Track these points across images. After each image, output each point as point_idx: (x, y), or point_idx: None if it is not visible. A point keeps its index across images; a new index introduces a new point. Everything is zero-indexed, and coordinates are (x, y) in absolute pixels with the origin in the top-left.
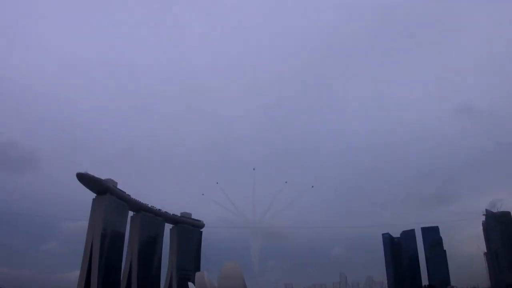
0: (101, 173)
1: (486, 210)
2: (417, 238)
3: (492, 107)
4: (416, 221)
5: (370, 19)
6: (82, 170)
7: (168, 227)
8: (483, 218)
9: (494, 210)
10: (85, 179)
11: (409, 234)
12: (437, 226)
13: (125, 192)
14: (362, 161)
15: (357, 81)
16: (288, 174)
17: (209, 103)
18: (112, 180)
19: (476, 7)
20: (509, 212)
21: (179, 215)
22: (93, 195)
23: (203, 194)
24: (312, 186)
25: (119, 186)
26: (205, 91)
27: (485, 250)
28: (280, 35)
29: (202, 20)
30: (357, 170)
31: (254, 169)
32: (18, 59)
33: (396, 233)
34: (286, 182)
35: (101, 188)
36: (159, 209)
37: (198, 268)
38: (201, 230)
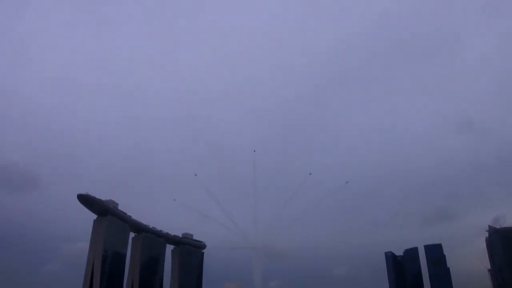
0: (102, 194)
1: (489, 226)
2: (420, 256)
3: (493, 122)
4: (419, 239)
5: (367, 41)
6: (83, 191)
7: (169, 248)
8: (486, 234)
9: (497, 226)
10: (86, 201)
11: (412, 252)
12: (440, 244)
13: (126, 213)
14: (363, 178)
15: (356, 101)
16: (289, 195)
17: (212, 128)
18: (113, 201)
19: (475, 23)
20: None
21: (180, 236)
22: (94, 216)
23: (174, 200)
24: (347, 182)
25: (120, 207)
26: (207, 116)
27: (489, 267)
28: (279, 64)
29: (202, 48)
30: (358, 188)
31: (254, 151)
32: (19, 79)
33: (399, 251)
34: (310, 173)
35: (102, 209)
36: (160, 230)
37: None
38: (202, 251)
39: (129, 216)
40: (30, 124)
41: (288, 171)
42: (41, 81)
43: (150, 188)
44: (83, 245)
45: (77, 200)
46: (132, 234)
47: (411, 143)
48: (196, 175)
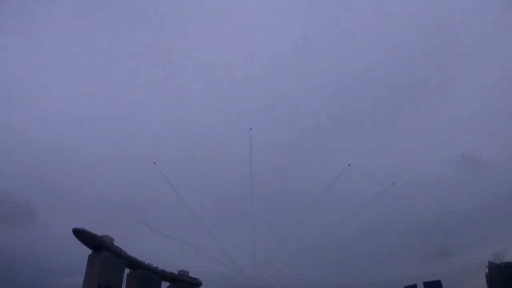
0: (98, 229)
1: (489, 261)
2: None
3: (492, 158)
4: (418, 275)
5: (364, 80)
6: (78, 226)
7: (165, 285)
8: (486, 270)
9: (497, 261)
10: (81, 235)
11: None
12: (439, 280)
13: (121, 249)
14: (361, 215)
15: (356, 138)
16: (287, 230)
17: (208, 162)
18: (108, 237)
19: (473, 59)
20: None
21: (176, 273)
22: (89, 250)
23: (154, 163)
24: (393, 183)
25: (115, 242)
26: (203, 151)
27: None
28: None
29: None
30: (356, 224)
31: (250, 128)
32: (16, 110)
33: None
34: (349, 164)
35: (97, 244)
36: (156, 267)
37: None
38: None
39: (125, 252)
40: (26, 155)
41: (287, 207)
42: (39, 112)
43: (146, 223)
44: (77, 280)
45: (72, 234)
46: (127, 270)
47: (410, 180)
48: (155, 163)
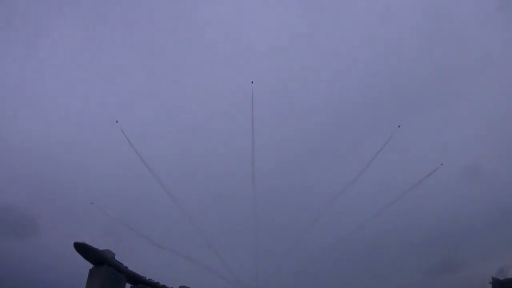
0: (99, 243)
1: (492, 277)
2: None
3: (497, 171)
4: None
5: (366, 93)
6: (80, 240)
7: None
8: (490, 286)
9: (501, 277)
10: (82, 249)
11: None
12: None
13: (122, 264)
14: (364, 230)
15: (359, 150)
16: (290, 245)
17: (211, 178)
18: (109, 251)
19: (477, 70)
20: None
21: None
22: (91, 264)
23: (117, 121)
24: (442, 164)
25: (117, 257)
26: (206, 166)
27: None
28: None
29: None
30: (358, 239)
31: (252, 82)
32: (21, 123)
33: None
34: (399, 126)
35: (98, 259)
36: (157, 282)
37: None
38: None
39: (126, 266)
40: (30, 168)
41: (289, 222)
42: (43, 126)
43: (147, 237)
44: None
45: (73, 248)
46: (128, 285)
47: (412, 194)
48: (117, 121)
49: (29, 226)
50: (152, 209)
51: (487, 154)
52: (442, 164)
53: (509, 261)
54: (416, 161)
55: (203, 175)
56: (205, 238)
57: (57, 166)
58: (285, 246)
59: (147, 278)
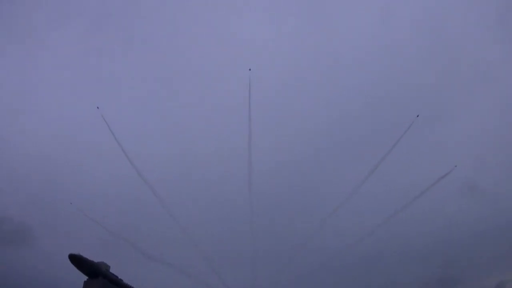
0: (95, 255)
1: None
2: None
3: (495, 187)
4: None
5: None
6: (75, 251)
7: None
8: None
9: None
10: (77, 261)
11: None
12: None
13: (117, 276)
14: (360, 245)
15: (356, 165)
16: (288, 254)
17: (209, 184)
18: (104, 264)
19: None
20: None
21: None
22: (85, 277)
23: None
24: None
25: (112, 270)
26: (204, 177)
27: None
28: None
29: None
30: (354, 254)
31: (250, 69)
32: (17, 134)
33: None
34: (417, 115)
35: (93, 271)
36: None
37: None
38: None
39: (121, 279)
40: (26, 179)
41: (288, 229)
42: (40, 137)
43: (144, 250)
44: None
45: (68, 259)
46: None
47: (411, 208)
48: (98, 107)
49: (22, 236)
50: (144, 216)
51: (484, 169)
52: (456, 166)
53: (507, 277)
54: (422, 167)
55: (197, 177)
56: (199, 248)
57: (52, 179)
58: (284, 255)
59: None
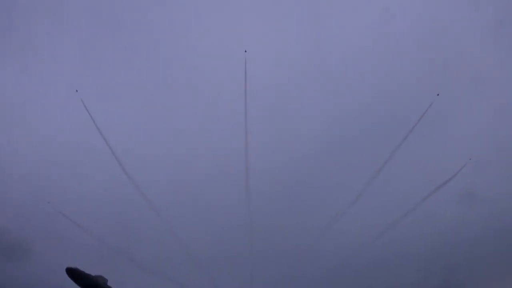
0: (93, 269)
1: None
2: None
3: (495, 194)
4: None
5: (363, 115)
6: (72, 265)
7: None
8: None
9: None
10: (74, 275)
11: None
12: None
13: None
14: (360, 251)
15: (355, 171)
16: (288, 259)
17: (205, 206)
18: (102, 277)
19: (476, 91)
20: None
21: None
22: None
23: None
24: (470, 159)
25: (109, 283)
26: (202, 196)
27: None
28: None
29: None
30: (354, 261)
31: (245, 51)
32: (15, 146)
33: None
34: (437, 94)
35: (90, 285)
36: None
37: None
38: None
39: None
40: (24, 191)
41: (286, 240)
42: (39, 149)
43: (141, 263)
44: None
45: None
46: None
47: (410, 214)
48: (77, 91)
49: (18, 250)
50: (140, 228)
51: (485, 176)
52: (470, 159)
53: (507, 283)
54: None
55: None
56: (193, 252)
57: (50, 191)
58: (282, 260)
59: None
